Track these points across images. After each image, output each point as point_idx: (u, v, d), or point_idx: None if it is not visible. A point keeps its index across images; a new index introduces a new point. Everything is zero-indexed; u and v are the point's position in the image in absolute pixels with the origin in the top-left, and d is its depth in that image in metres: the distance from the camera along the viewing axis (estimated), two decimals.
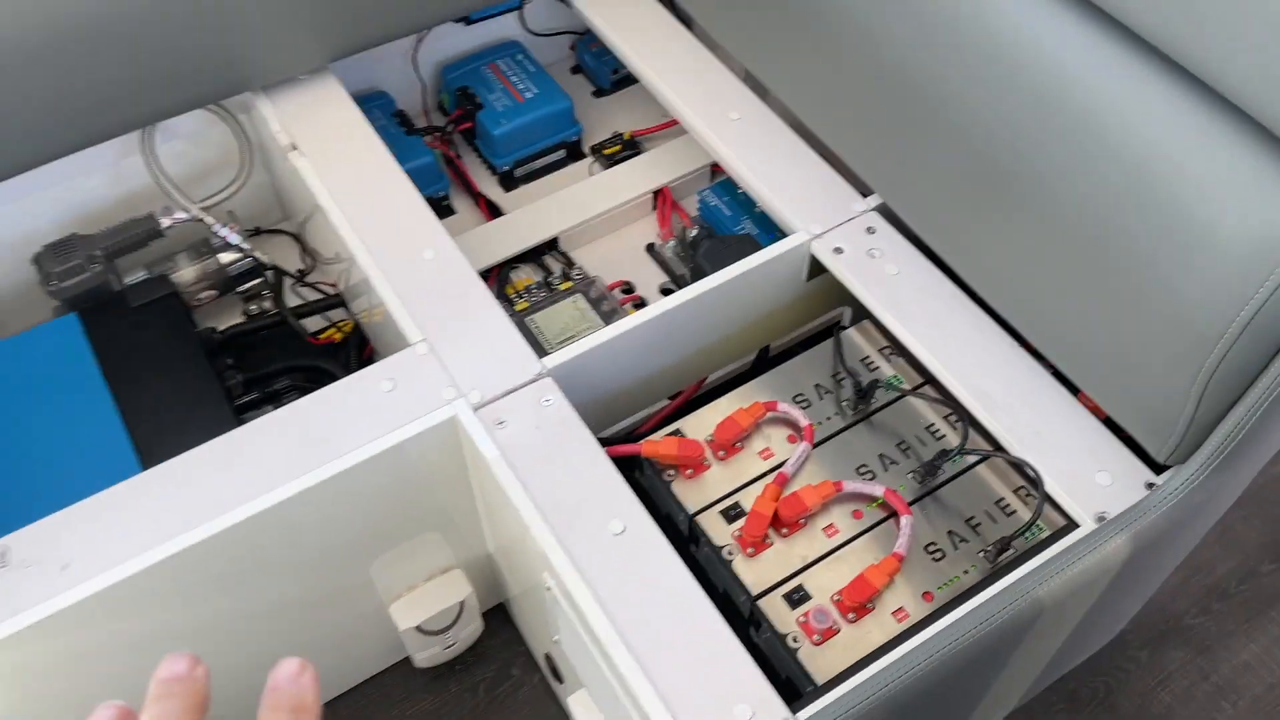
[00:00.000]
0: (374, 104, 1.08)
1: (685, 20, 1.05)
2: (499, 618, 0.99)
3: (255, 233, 1.12)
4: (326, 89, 0.96)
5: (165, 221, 0.98)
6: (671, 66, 0.98)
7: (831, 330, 0.84)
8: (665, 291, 1.02)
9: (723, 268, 0.84)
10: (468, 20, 1.11)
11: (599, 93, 1.20)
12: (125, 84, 0.86)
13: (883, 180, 0.86)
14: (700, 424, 0.78)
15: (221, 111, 0.99)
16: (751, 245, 0.91)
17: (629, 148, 1.11)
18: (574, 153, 1.13)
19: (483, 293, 0.82)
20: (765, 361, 0.94)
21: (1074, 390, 0.76)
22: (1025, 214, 0.73)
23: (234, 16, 0.87)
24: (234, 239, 1.00)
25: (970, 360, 0.78)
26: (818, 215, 0.87)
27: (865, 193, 0.88)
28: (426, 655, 0.91)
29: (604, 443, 0.75)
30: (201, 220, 0.99)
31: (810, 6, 0.84)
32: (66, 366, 0.90)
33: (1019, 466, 0.73)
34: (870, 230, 0.86)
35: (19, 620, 0.65)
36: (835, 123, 0.89)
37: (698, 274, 0.90)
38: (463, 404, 0.75)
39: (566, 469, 0.72)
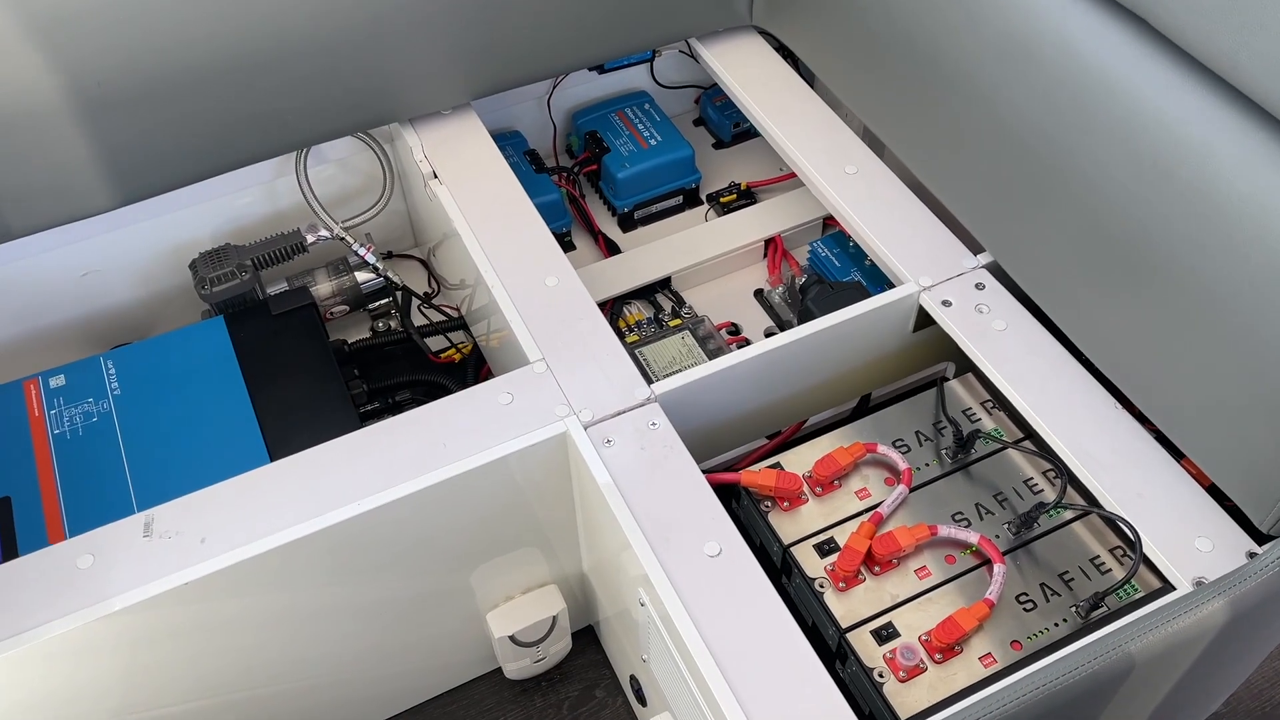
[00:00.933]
0: (508, 142, 1.15)
1: (807, 77, 1.09)
2: (586, 638, 1.02)
3: (387, 256, 1.20)
4: (467, 124, 1.03)
5: (310, 238, 1.06)
6: (792, 120, 1.02)
7: (935, 384, 0.85)
8: (770, 335, 1.05)
9: (830, 312, 0.86)
10: (601, 69, 1.18)
11: (719, 145, 1.24)
12: (286, 110, 0.94)
13: (995, 239, 0.88)
14: (800, 460, 0.80)
15: (369, 139, 1.06)
16: (860, 293, 0.94)
17: (745, 197, 1.16)
18: (692, 199, 1.17)
19: (599, 320, 0.86)
20: (866, 409, 0.96)
21: (1178, 456, 0.76)
22: (1138, 280, 0.75)
23: (388, 53, 0.94)
24: (370, 259, 1.07)
25: (1073, 418, 0.78)
26: (928, 269, 0.89)
27: (976, 250, 0.90)
28: (517, 667, 0.94)
29: (704, 472, 0.77)
30: (343, 239, 1.06)
31: (932, 69, 0.88)
32: (211, 363, 0.97)
33: (1116, 524, 0.73)
34: (979, 286, 0.87)
35: (160, 584, 0.71)
36: (950, 181, 0.91)
37: (805, 318, 0.93)
38: (574, 421, 0.79)
39: (667, 490, 0.75)
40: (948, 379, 0.86)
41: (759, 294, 1.08)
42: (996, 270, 0.89)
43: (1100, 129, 0.74)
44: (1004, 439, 0.81)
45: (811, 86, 1.07)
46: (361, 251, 1.07)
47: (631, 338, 1.01)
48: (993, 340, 0.84)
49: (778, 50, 1.10)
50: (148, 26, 0.84)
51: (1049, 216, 0.81)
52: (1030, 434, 0.82)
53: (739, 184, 1.16)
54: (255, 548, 0.73)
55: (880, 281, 1.02)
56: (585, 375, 0.83)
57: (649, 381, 0.82)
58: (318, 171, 1.08)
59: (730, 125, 1.22)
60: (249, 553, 0.72)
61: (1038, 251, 0.84)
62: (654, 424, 0.79)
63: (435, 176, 0.99)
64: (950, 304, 0.86)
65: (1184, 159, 0.69)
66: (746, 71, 1.08)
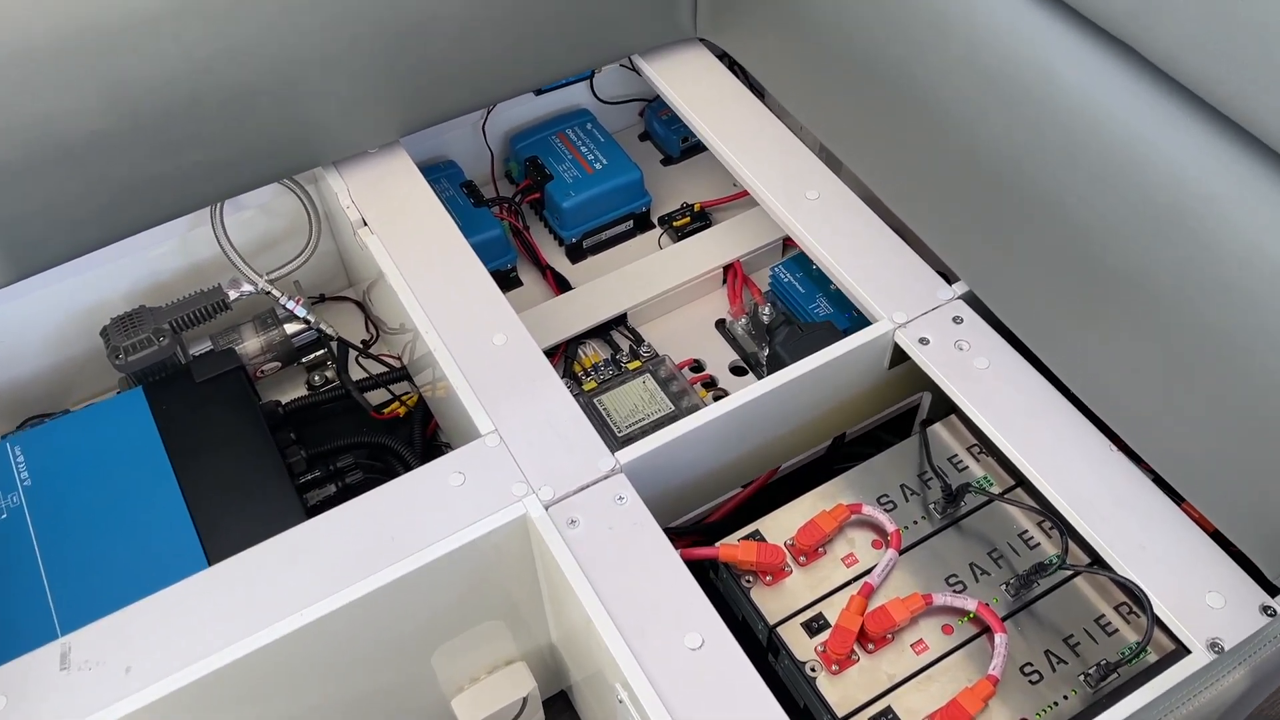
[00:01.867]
0: (442, 173, 1.07)
1: (758, 91, 1.03)
2: (560, 703, 0.96)
3: (319, 300, 1.11)
4: (396, 163, 0.95)
5: (232, 294, 0.97)
6: (744, 140, 0.96)
7: (911, 415, 0.80)
8: (735, 370, 1.00)
9: (802, 357, 0.81)
10: (537, 90, 1.10)
11: (668, 160, 1.18)
12: (200, 163, 0.85)
13: (971, 268, 0.83)
14: (779, 526, 0.75)
15: (291, 184, 0.98)
16: (831, 334, 0.88)
17: (699, 219, 1.09)
18: (643, 223, 1.11)
19: (555, 383, 0.80)
20: (841, 448, 0.91)
21: (1178, 499, 0.72)
22: (1127, 314, 0.70)
23: (307, 95, 0.86)
24: (300, 312, 0.99)
25: (1065, 463, 0.74)
26: (901, 302, 0.83)
27: (951, 279, 0.85)
28: None
29: (675, 534, 0.72)
30: (269, 294, 0.98)
31: (895, 88, 0.82)
32: (132, 444, 0.89)
33: (1125, 586, 0.68)
34: (957, 320, 0.82)
35: None
36: (918, 205, 0.86)
37: (775, 362, 0.88)
38: (534, 501, 0.73)
39: (641, 575, 0.69)
40: (929, 421, 0.81)
41: (721, 325, 1.02)
42: (973, 300, 0.83)
43: (1079, 154, 0.69)
44: (995, 489, 0.76)
45: (763, 100, 1.01)
46: (290, 305, 0.98)
47: (589, 384, 0.94)
48: (976, 380, 0.78)
49: (725, 62, 1.03)
50: (29, 91, 0.75)
51: (1026, 244, 0.76)
52: (1021, 480, 0.77)
53: (692, 205, 1.10)
54: (187, 674, 0.65)
55: (847, 307, 0.96)
56: (543, 446, 0.76)
57: (612, 443, 0.76)
58: (237, 218, 1.00)
59: (678, 140, 1.16)
60: (181, 681, 0.65)
61: (1017, 282, 0.79)
62: (621, 498, 0.73)
63: (365, 224, 0.91)
64: (928, 341, 0.81)
65: (1173, 188, 0.64)
66: (693, 88, 1.01)
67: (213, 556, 0.78)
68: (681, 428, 0.77)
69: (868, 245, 0.88)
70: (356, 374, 1.04)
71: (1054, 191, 0.72)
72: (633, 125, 1.21)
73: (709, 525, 0.86)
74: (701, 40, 1.03)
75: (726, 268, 1.04)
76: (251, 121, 0.85)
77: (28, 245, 0.83)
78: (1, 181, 0.78)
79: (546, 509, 0.72)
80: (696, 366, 1.00)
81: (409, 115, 0.93)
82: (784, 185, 0.92)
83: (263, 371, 1.02)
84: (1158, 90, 0.65)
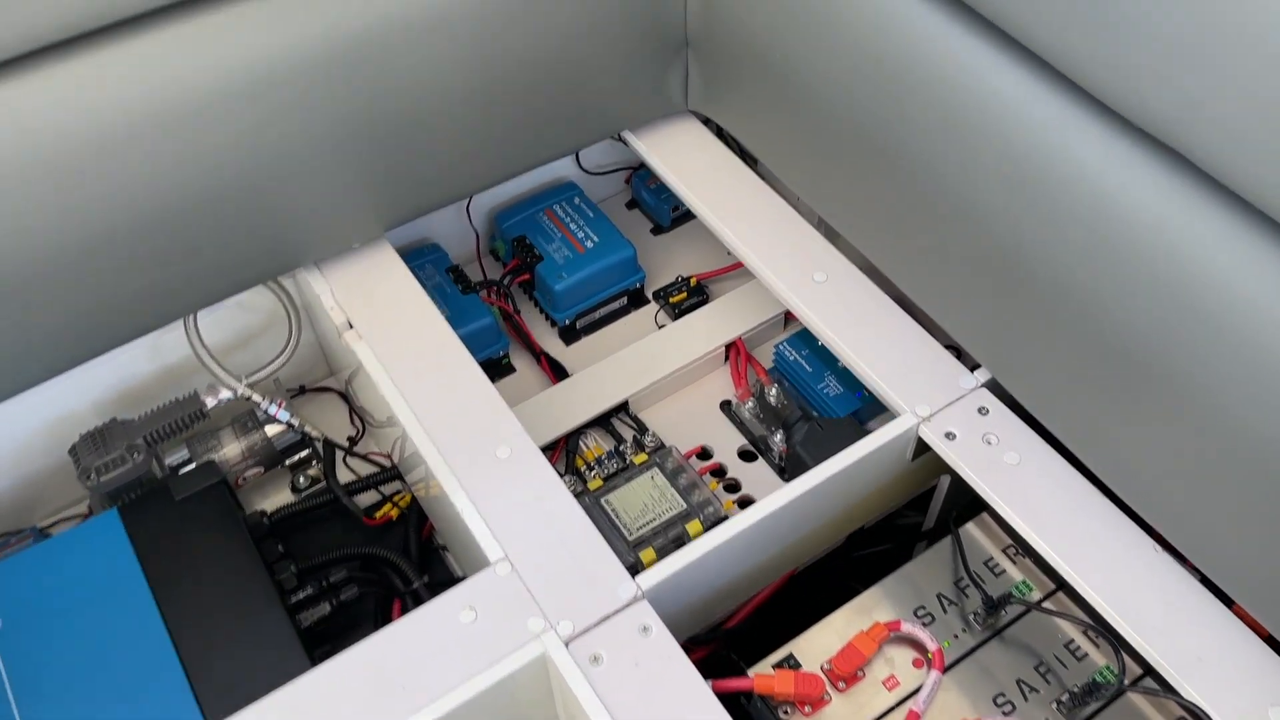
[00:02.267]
0: (427, 259, 1.02)
1: (752, 162, 0.98)
2: None
3: (299, 391, 1.06)
4: (379, 256, 0.90)
5: (210, 402, 0.91)
6: (743, 216, 0.92)
7: (927, 493, 0.77)
8: (744, 454, 0.95)
9: (824, 458, 0.77)
10: None
11: (658, 230, 1.13)
12: (176, 276, 0.80)
13: (992, 355, 0.79)
14: (814, 648, 0.71)
15: (270, 284, 0.92)
16: (853, 430, 0.84)
17: (695, 293, 1.05)
18: (637, 299, 1.06)
19: (565, 499, 0.75)
20: (859, 537, 0.87)
21: (1227, 601, 0.69)
22: (1158, 402, 0.66)
23: (288, 199, 0.81)
24: (283, 416, 0.93)
25: (1109, 566, 0.70)
26: (924, 393, 0.80)
27: (972, 365, 0.81)
28: None
29: (692, 644, 0.67)
30: (249, 399, 0.92)
31: (896, 163, 0.78)
32: (110, 576, 0.83)
33: (1187, 708, 0.65)
34: (983, 411, 0.78)
35: None
36: (931, 287, 0.82)
37: (796, 463, 0.83)
38: (552, 638, 0.68)
39: (672, 714, 0.65)
40: (961, 519, 0.77)
41: (726, 406, 0.98)
42: (997, 387, 0.80)
43: (1100, 242, 0.65)
44: (1035, 595, 0.73)
45: (754, 169, 0.97)
46: (272, 409, 0.93)
47: (594, 482, 0.90)
48: (1008, 477, 0.75)
49: (715, 132, 0.99)
50: None
51: (1049, 331, 0.72)
52: (1062, 583, 0.73)
53: (687, 279, 1.06)
54: None
55: (857, 386, 0.92)
56: (557, 572, 0.71)
57: (626, 557, 0.72)
58: (211, 317, 0.93)
59: (669, 209, 1.11)
60: None
61: (1041, 370, 0.75)
62: (646, 628, 0.68)
63: (350, 326, 0.86)
64: (954, 436, 0.77)
65: (1197, 276, 0.61)
66: (686, 162, 0.97)
67: (209, 715, 0.72)
68: (703, 545, 0.73)
69: (882, 331, 0.84)
70: (345, 473, 0.98)
71: (1073, 276, 0.68)
72: (620, 193, 1.17)
73: (727, 631, 0.82)
74: (693, 113, 0.99)
75: (728, 346, 1.00)
76: (229, 229, 0.80)
77: None
78: None
79: (567, 645, 0.68)
80: (704, 454, 0.95)
81: (393, 210, 0.88)
82: (789, 266, 0.89)
83: (244, 479, 0.96)
84: (1184, 177, 0.62)
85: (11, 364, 0.78)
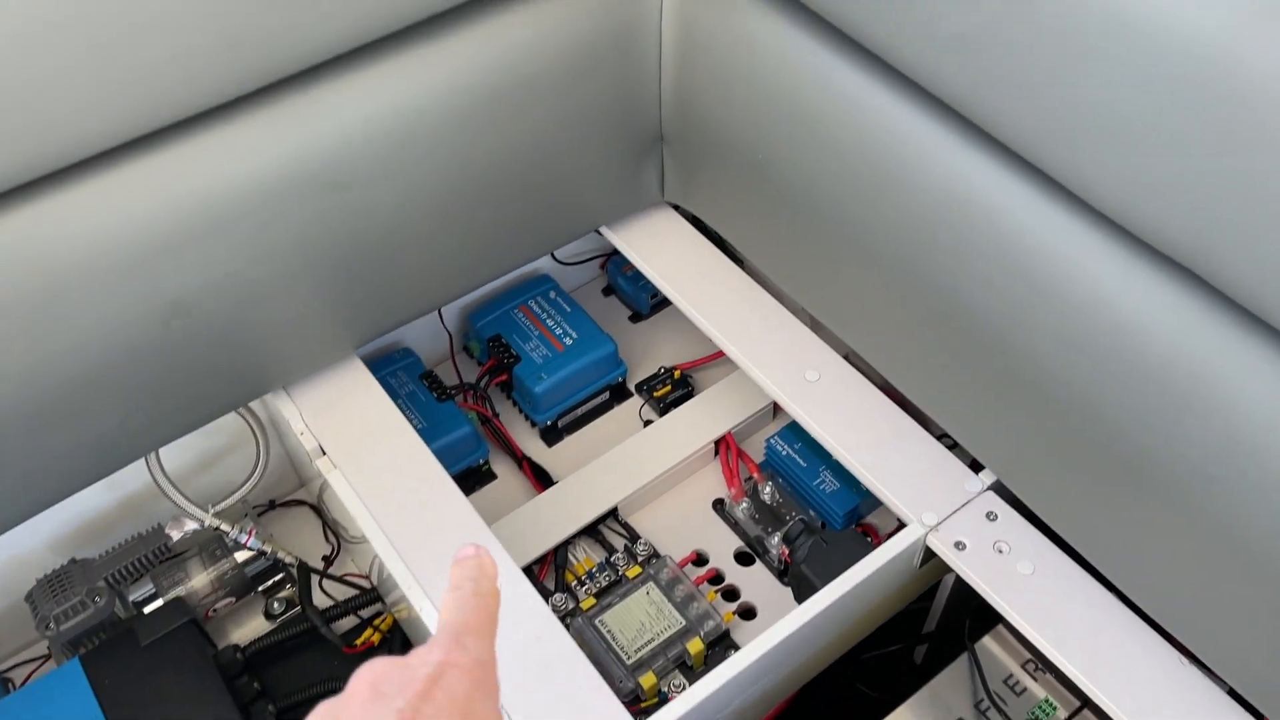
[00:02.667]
0: (399, 365, 0.98)
1: (731, 251, 0.95)
2: None
3: (269, 506, 1.01)
4: (350, 374, 0.86)
5: (175, 535, 0.86)
6: (728, 311, 0.89)
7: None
8: (740, 556, 0.92)
9: (831, 576, 0.73)
10: None
11: (636, 317, 1.10)
12: (136, 418, 0.75)
13: (997, 457, 0.76)
14: None
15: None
16: (859, 545, 0.80)
17: (680, 386, 1.01)
18: (619, 394, 1.03)
19: (563, 640, 0.71)
20: (866, 639, 0.84)
21: (1257, 715, 0.66)
22: (1174, 511, 0.63)
23: (253, 330, 0.76)
24: (254, 544, 0.88)
25: (1135, 681, 0.67)
26: (929, 498, 0.76)
27: (977, 467, 0.78)
28: None
29: None
30: (218, 529, 0.87)
31: (884, 260, 0.74)
32: None
33: None
34: (991, 516, 0.75)
35: None
36: (929, 386, 0.79)
37: (802, 586, 0.80)
38: None
39: None
40: (977, 633, 0.74)
41: (719, 506, 0.94)
42: (1004, 491, 0.77)
43: (1099, 347, 0.62)
44: (1060, 714, 0.69)
45: (739, 264, 0.94)
46: (243, 538, 0.88)
47: (586, 601, 0.85)
48: (1022, 589, 0.72)
49: (697, 225, 0.96)
50: None
51: (1053, 434, 0.69)
52: (1086, 701, 0.70)
53: (671, 370, 1.02)
54: None
55: (853, 481, 0.89)
56: (551, 716, 0.67)
57: (631, 694, 0.68)
58: (175, 441, 0.89)
59: (647, 296, 1.08)
60: None
61: (1049, 473, 0.72)
62: None
63: (323, 453, 0.82)
64: (964, 546, 0.74)
65: (1211, 389, 0.58)
66: (666, 256, 0.94)
67: None
68: (712, 682, 0.69)
69: (882, 432, 0.81)
70: (322, 596, 0.93)
71: (1073, 381, 0.65)
72: (595, 279, 1.13)
73: None
74: (671, 204, 0.96)
75: (717, 441, 0.96)
76: (192, 365, 0.75)
77: None
78: None
79: None
80: (700, 559, 0.91)
81: (363, 328, 0.84)
82: (779, 363, 0.86)
83: (215, 610, 0.90)
84: (1190, 286, 0.59)
85: None
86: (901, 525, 0.77)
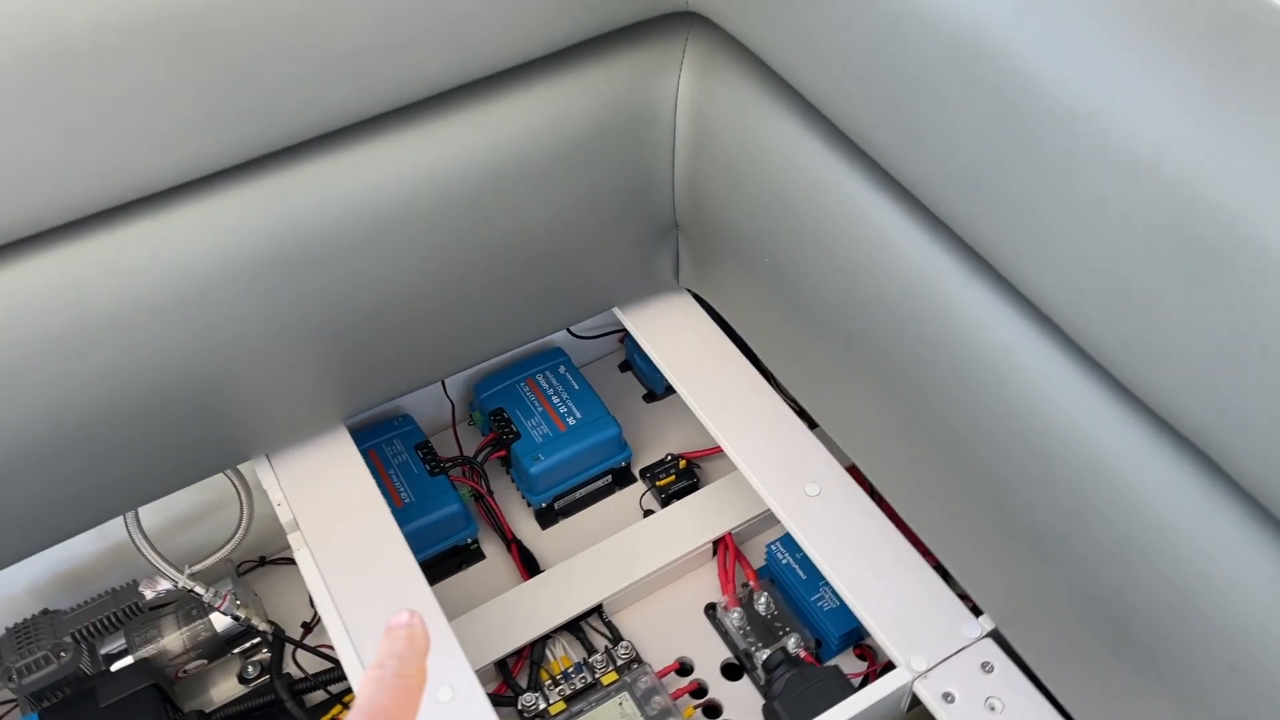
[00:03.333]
0: (395, 432, 0.95)
1: (745, 344, 0.91)
2: None
3: (260, 563, 0.99)
4: (334, 447, 0.83)
5: (149, 593, 0.85)
6: (732, 409, 0.85)
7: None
8: (727, 669, 0.87)
9: (805, 717, 0.68)
10: None
11: (651, 397, 1.06)
12: (114, 478, 0.74)
13: (995, 603, 0.70)
14: None
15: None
16: (839, 685, 0.75)
17: (684, 476, 0.97)
18: (622, 478, 0.99)
19: None
20: None
21: None
22: (1177, 695, 0.57)
23: (238, 396, 0.74)
24: (226, 609, 0.86)
25: None
26: (922, 641, 0.71)
27: (978, 609, 0.72)
28: None
29: None
30: (192, 591, 0.85)
31: (884, 380, 0.69)
32: None
33: None
34: (986, 667, 0.69)
35: None
36: (928, 514, 0.73)
37: (772, 718, 0.75)
38: None
39: None
40: None
41: (711, 610, 0.90)
42: (1002, 640, 0.71)
43: (1113, 527, 0.57)
44: None
45: (750, 357, 0.90)
46: (216, 603, 0.86)
47: (556, 706, 0.81)
48: None
49: (713, 314, 0.92)
50: None
51: (1055, 592, 0.63)
52: None
53: (677, 459, 0.98)
54: None
55: None
56: None
57: None
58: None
59: (663, 377, 1.04)
60: None
61: (1050, 631, 0.66)
62: None
63: (297, 527, 0.79)
64: (953, 699, 0.68)
65: (1221, 577, 0.52)
66: (675, 342, 0.90)
67: None
68: None
69: (880, 561, 0.75)
70: (295, 667, 0.91)
71: (1084, 551, 0.59)
72: (614, 352, 1.10)
73: None
74: (690, 290, 0.92)
75: (716, 541, 0.91)
76: (174, 429, 0.73)
77: None
78: None
79: None
80: (684, 668, 0.87)
81: (353, 399, 0.82)
82: (779, 472, 0.81)
83: (185, 671, 0.88)
84: (1202, 468, 0.53)
85: None
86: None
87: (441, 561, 0.92)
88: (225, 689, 0.92)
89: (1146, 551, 0.54)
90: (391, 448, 0.94)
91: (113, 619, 0.85)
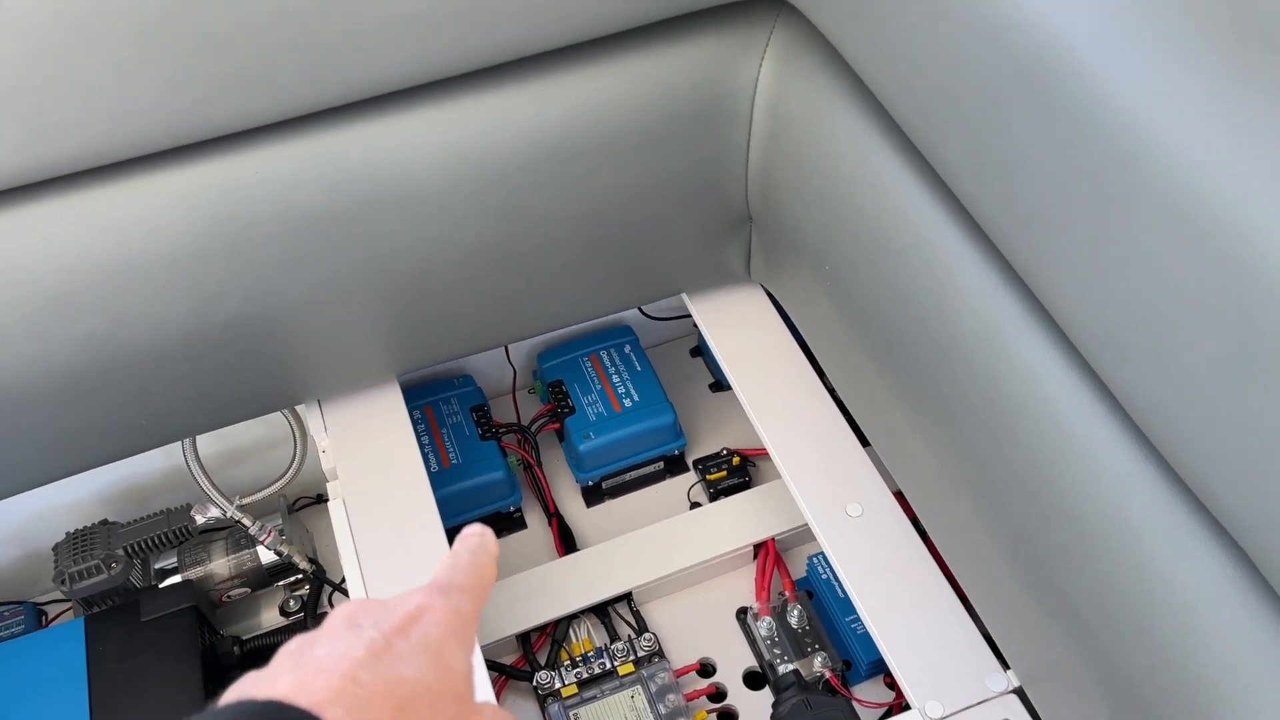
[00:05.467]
0: (454, 392, 0.96)
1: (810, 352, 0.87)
2: None
3: (317, 500, 1.01)
4: (384, 401, 0.84)
5: (199, 519, 0.88)
6: (783, 412, 0.82)
7: None
8: (749, 678, 0.84)
9: None
10: None
11: (717, 386, 1.03)
12: (173, 406, 0.76)
13: (1023, 660, 0.66)
14: None
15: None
16: (848, 716, 0.72)
17: (736, 474, 0.94)
18: (675, 465, 0.97)
19: None
20: None
21: None
22: None
23: (295, 341, 0.75)
24: (270, 544, 0.88)
25: None
26: (942, 686, 0.67)
27: (1006, 662, 0.68)
28: None
29: None
30: (239, 522, 0.88)
31: (931, 409, 0.65)
32: (55, 688, 0.80)
33: None
34: None
35: None
36: (968, 557, 0.69)
37: None
38: None
39: None
40: None
41: (742, 615, 0.87)
42: (1027, 699, 0.66)
43: (1149, 608, 0.52)
44: None
45: (812, 360, 0.86)
46: (261, 537, 0.88)
47: (568, 689, 0.81)
48: None
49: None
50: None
51: (1086, 660, 0.58)
52: None
53: (731, 454, 0.95)
54: None
55: None
56: None
57: None
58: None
59: None
60: None
61: (1078, 702, 0.61)
62: None
63: (336, 476, 0.80)
64: None
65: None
66: (738, 337, 0.88)
67: None
68: None
69: (913, 595, 0.72)
70: (332, 606, 0.93)
71: (1116, 623, 0.54)
72: (688, 335, 1.08)
73: None
74: (761, 285, 0.89)
75: (758, 545, 0.89)
76: (231, 365, 0.75)
77: None
78: None
79: None
80: (705, 669, 0.85)
81: (407, 356, 0.82)
82: (822, 486, 0.78)
83: (229, 596, 0.92)
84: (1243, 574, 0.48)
85: (8, 469, 0.76)
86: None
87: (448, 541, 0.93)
88: (268, 618, 0.95)
89: (1187, 655, 0.49)
90: (448, 406, 0.95)
91: (164, 538, 0.88)
